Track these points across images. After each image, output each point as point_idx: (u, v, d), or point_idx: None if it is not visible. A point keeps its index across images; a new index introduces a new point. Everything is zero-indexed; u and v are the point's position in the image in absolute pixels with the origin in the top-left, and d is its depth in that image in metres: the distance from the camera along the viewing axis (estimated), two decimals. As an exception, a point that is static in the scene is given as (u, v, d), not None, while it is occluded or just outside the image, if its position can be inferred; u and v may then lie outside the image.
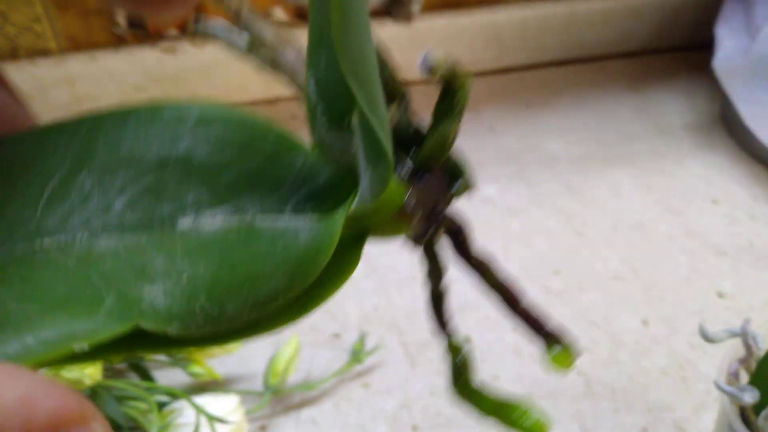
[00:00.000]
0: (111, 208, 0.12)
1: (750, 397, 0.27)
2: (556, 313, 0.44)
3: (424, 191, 0.16)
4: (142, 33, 0.60)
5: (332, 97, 0.14)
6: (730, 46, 0.57)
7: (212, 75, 0.62)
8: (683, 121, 0.63)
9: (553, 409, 0.39)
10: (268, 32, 0.15)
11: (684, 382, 0.40)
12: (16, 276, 0.11)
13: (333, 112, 0.14)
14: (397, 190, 0.14)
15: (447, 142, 0.15)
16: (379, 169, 0.12)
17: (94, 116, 0.13)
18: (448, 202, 0.17)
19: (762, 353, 0.29)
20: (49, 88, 0.59)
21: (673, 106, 0.65)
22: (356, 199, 0.13)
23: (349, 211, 0.13)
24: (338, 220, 0.13)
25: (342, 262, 0.14)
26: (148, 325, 0.10)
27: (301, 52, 0.17)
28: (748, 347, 0.29)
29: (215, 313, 0.11)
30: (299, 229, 0.13)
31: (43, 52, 0.59)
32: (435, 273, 0.18)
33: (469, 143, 0.61)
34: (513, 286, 0.19)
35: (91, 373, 0.29)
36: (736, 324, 0.43)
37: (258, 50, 0.17)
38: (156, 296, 0.11)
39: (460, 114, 0.14)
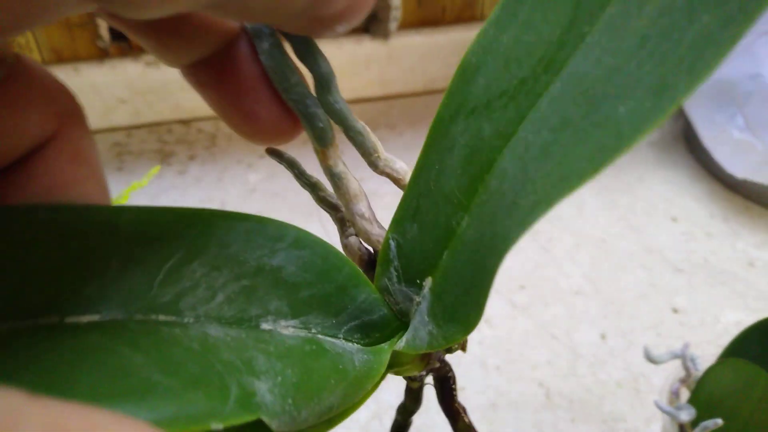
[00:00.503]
0: (213, 300, 0.14)
1: (686, 415, 0.30)
2: (519, 327, 0.47)
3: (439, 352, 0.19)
4: (125, 46, 0.61)
5: (410, 261, 0.16)
6: (691, 70, 0.59)
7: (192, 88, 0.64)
8: (648, 139, 0.66)
9: (515, 418, 0.41)
10: (352, 185, 0.18)
11: (637, 395, 0.43)
12: (152, 347, 0.12)
13: (407, 273, 0.16)
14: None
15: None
16: (449, 332, 0.15)
17: (210, 213, 0.14)
18: (445, 354, 0.19)
19: (700, 374, 0.32)
20: (35, 100, 0.61)
21: (638, 124, 0.68)
22: (403, 341, 0.16)
23: (395, 347, 0.16)
24: (387, 353, 0.15)
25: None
26: (264, 417, 0.12)
27: (369, 206, 0.19)
28: (687, 369, 0.32)
29: (295, 415, 0.12)
30: (354, 353, 0.15)
31: (29, 65, 0.60)
32: (409, 408, 0.21)
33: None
34: None
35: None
36: (689, 338, 0.46)
37: (320, 192, 0.19)
38: (264, 392, 0.12)
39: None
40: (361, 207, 0.18)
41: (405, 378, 0.20)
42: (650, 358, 0.32)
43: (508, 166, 0.14)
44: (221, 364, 0.12)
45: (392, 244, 0.17)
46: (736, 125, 0.54)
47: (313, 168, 0.18)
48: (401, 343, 0.16)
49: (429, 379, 0.20)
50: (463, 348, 0.19)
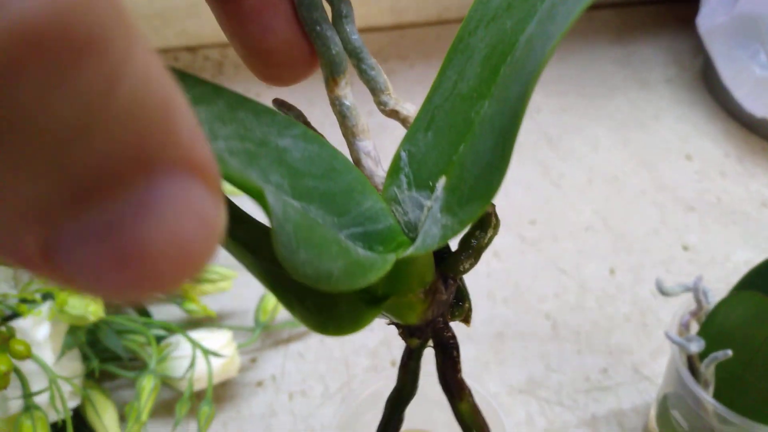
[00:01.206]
0: (213, 142, 0.13)
1: (696, 346, 0.30)
2: (528, 261, 0.47)
3: (442, 291, 0.18)
4: (131, -32, 0.59)
5: (422, 165, 0.16)
6: (714, 3, 0.58)
7: (200, 13, 0.62)
8: (665, 76, 0.64)
9: (522, 348, 0.42)
10: (361, 120, 0.18)
11: (644, 329, 0.43)
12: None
13: (419, 177, 0.16)
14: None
15: (464, 266, 0.18)
16: (466, 213, 0.14)
17: (220, 86, 0.14)
18: (449, 316, 0.19)
19: (711, 307, 0.32)
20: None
21: (656, 60, 0.66)
22: (411, 248, 0.15)
23: (400, 256, 0.15)
24: (392, 258, 0.15)
25: (362, 313, 0.16)
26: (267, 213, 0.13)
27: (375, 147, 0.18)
28: (698, 301, 0.32)
29: (294, 246, 0.12)
30: (357, 247, 0.15)
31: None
32: (403, 388, 0.20)
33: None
34: (484, 421, 0.20)
35: (94, 310, 0.31)
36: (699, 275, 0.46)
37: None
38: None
39: (480, 252, 0.17)
40: (368, 145, 0.18)
41: (403, 335, 0.19)
42: (662, 290, 0.32)
43: (532, 31, 0.15)
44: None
45: (403, 155, 0.16)
46: (758, 62, 0.53)
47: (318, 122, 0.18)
48: (409, 250, 0.15)
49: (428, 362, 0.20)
50: (467, 320, 0.19)
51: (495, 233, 0.18)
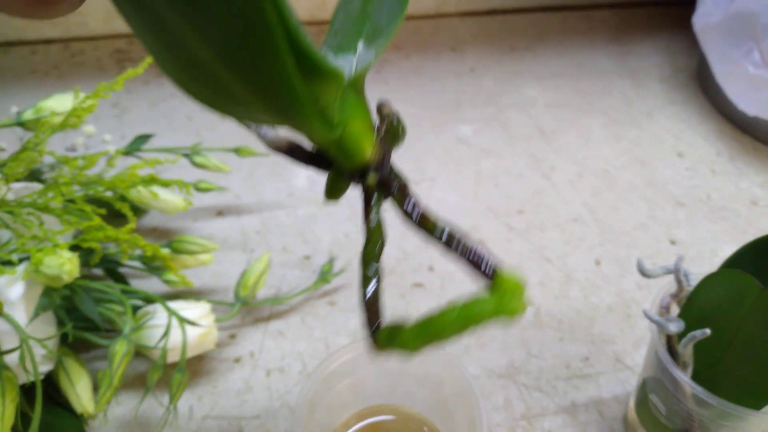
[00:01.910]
0: None
1: (675, 327, 0.30)
2: (515, 249, 0.47)
3: (380, 127, 0.20)
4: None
5: (341, 44, 0.20)
6: (710, 3, 0.58)
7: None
8: (660, 75, 0.64)
9: (503, 334, 0.41)
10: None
11: (627, 319, 0.43)
12: None
13: (343, 49, 0.20)
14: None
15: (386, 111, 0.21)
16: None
17: None
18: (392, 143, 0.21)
19: (691, 289, 0.32)
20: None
21: (652, 60, 0.66)
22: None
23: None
24: (343, 71, 0.19)
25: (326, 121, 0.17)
26: None
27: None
28: (679, 282, 0.32)
29: None
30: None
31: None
32: (376, 230, 0.21)
33: (451, 83, 0.62)
34: (453, 228, 0.20)
35: (69, 270, 0.31)
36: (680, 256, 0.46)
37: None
38: None
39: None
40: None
41: (361, 179, 0.20)
42: (643, 272, 0.32)
43: None
44: None
45: (324, 47, 0.20)
46: (751, 61, 0.53)
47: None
48: (352, 71, 0.19)
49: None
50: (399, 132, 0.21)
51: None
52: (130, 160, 0.45)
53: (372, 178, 0.20)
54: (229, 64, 0.14)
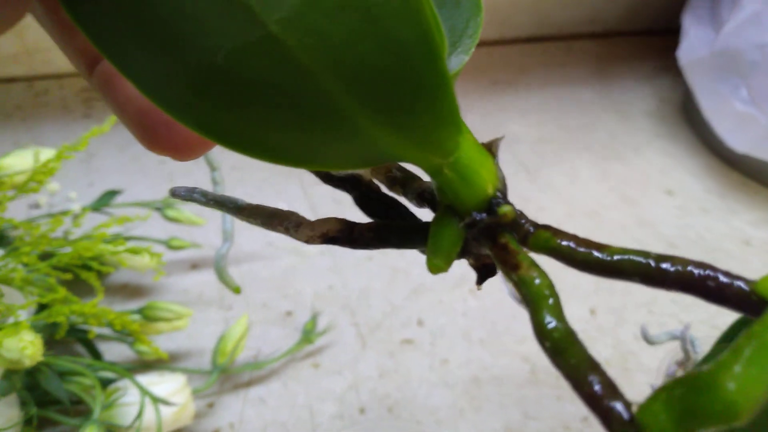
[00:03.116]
0: None
1: (686, 401, 0.28)
2: (507, 299, 0.45)
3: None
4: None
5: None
6: (695, 37, 0.57)
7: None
8: (645, 108, 0.63)
9: (498, 394, 0.39)
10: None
11: (626, 373, 0.41)
12: None
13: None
14: None
15: None
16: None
17: None
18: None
19: (699, 357, 0.30)
20: (-4, 37, 0.56)
21: (636, 92, 0.65)
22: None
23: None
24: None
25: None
26: None
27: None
28: (686, 351, 0.30)
29: None
30: None
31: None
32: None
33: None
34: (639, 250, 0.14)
35: (31, 354, 0.28)
36: (682, 317, 0.45)
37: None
38: None
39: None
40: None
41: (474, 226, 0.15)
42: (647, 339, 0.30)
43: None
44: None
45: None
46: (739, 97, 0.52)
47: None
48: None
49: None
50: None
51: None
52: (99, 217, 0.43)
53: (508, 208, 0.15)
54: (357, 77, 0.11)
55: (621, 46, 0.71)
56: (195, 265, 0.45)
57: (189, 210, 0.43)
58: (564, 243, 0.15)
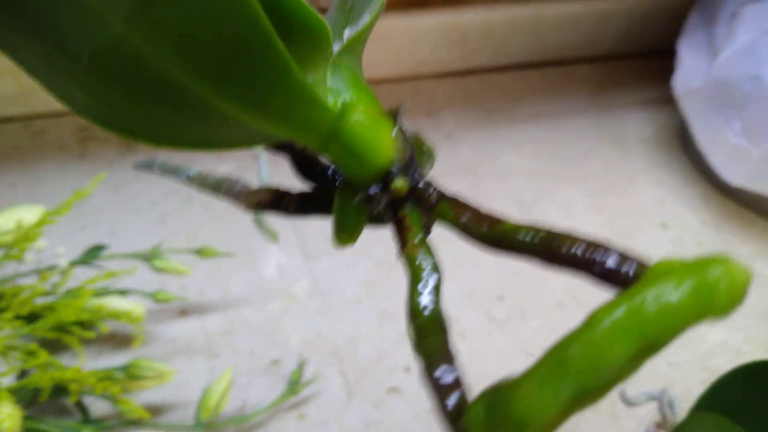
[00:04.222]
0: None
1: (661, 471, 0.28)
2: (495, 344, 0.45)
3: (407, 139, 0.14)
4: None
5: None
6: (690, 66, 0.56)
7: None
8: (641, 135, 0.63)
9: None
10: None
11: (614, 420, 0.41)
12: None
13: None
14: None
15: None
16: None
17: None
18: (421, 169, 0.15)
19: (677, 420, 0.30)
20: (-7, 79, 0.57)
21: (633, 119, 0.65)
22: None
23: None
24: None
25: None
26: None
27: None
28: (663, 414, 0.30)
29: None
30: None
31: None
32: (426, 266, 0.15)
33: (426, 152, 0.60)
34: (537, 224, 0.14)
35: (9, 427, 0.29)
36: (672, 359, 0.44)
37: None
38: None
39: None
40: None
41: (382, 191, 0.14)
42: (625, 401, 0.30)
43: None
44: None
45: None
46: (733, 129, 0.51)
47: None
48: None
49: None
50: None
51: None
52: (86, 270, 0.43)
53: (401, 182, 0.14)
54: (188, 55, 0.12)
55: (619, 70, 0.70)
56: (183, 312, 0.45)
57: (176, 260, 0.43)
58: (462, 218, 0.15)
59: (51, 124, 0.60)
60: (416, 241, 0.15)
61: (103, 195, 0.54)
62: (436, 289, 0.14)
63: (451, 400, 0.13)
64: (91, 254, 0.40)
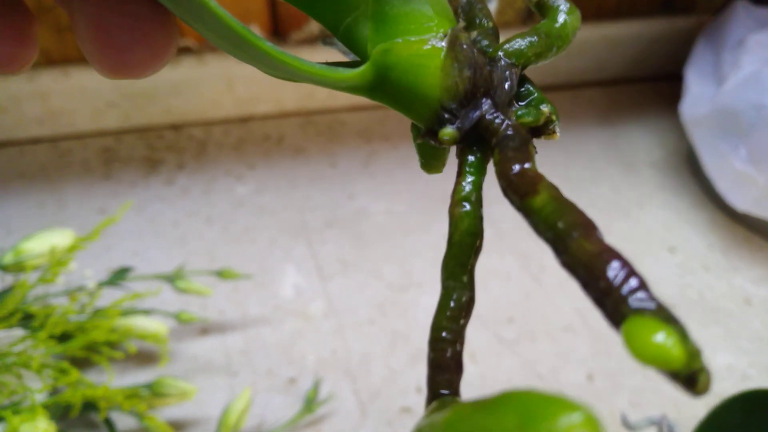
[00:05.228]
0: None
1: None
2: (505, 364, 0.46)
3: (468, 41, 0.13)
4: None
5: None
6: (696, 92, 0.57)
7: (183, 92, 0.62)
8: (650, 159, 0.64)
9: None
10: None
11: (620, 441, 0.42)
12: None
13: None
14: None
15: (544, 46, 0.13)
16: None
17: None
18: (512, 115, 0.13)
19: (681, 445, 0.31)
20: (23, 102, 0.60)
21: (642, 142, 0.66)
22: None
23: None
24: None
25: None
26: None
27: None
28: (666, 440, 0.31)
29: None
30: None
31: (16, 67, 0.58)
32: (468, 222, 0.13)
33: (437, 176, 0.61)
34: (577, 210, 0.12)
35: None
36: (663, 414, 0.45)
37: None
38: None
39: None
40: None
41: (428, 132, 0.13)
42: (627, 425, 0.31)
43: None
44: None
45: None
46: (738, 156, 0.53)
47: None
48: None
49: None
50: (547, 130, 0.14)
51: None
52: (113, 292, 0.45)
53: (448, 132, 0.13)
54: None
55: (627, 93, 0.72)
56: (204, 331, 0.47)
57: (198, 280, 0.45)
58: (508, 174, 0.13)
59: (77, 145, 0.62)
60: (464, 193, 0.13)
61: (126, 216, 0.56)
62: (460, 314, 0.13)
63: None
64: (118, 276, 0.42)
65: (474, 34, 0.13)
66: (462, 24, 0.13)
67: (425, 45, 0.13)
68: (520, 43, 0.14)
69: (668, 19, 0.70)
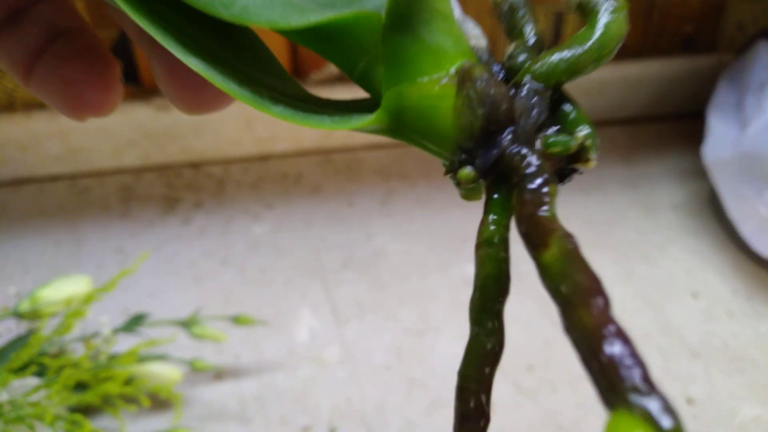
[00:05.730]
0: None
1: None
2: (524, 416, 0.45)
3: (483, 75, 0.12)
4: (135, 89, 0.60)
5: None
6: (719, 135, 0.57)
7: (204, 131, 0.63)
8: (672, 201, 0.63)
9: None
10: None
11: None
12: None
13: None
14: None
15: (572, 68, 0.12)
16: None
17: None
18: (542, 146, 0.13)
19: None
20: (44, 141, 0.60)
21: (663, 183, 0.65)
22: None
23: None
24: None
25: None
26: None
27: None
28: None
29: None
30: None
31: (39, 106, 0.59)
32: (493, 266, 0.13)
33: (457, 214, 0.61)
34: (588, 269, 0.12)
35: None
36: (701, 439, 0.44)
37: None
38: None
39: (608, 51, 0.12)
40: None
41: (449, 169, 0.13)
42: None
43: None
44: None
45: None
46: (763, 201, 0.52)
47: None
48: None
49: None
50: (583, 158, 0.14)
51: None
52: (128, 338, 0.45)
53: (465, 172, 0.13)
54: None
55: (648, 132, 0.71)
56: (218, 375, 0.46)
57: (213, 326, 0.45)
58: (521, 223, 0.12)
59: (95, 183, 0.62)
60: (486, 234, 0.13)
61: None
62: (485, 362, 0.13)
63: None
64: (134, 322, 0.42)
65: (511, 48, 0.13)
66: (477, 56, 0.13)
67: (436, 86, 0.13)
68: (551, 62, 0.13)
69: (690, 59, 0.69)
